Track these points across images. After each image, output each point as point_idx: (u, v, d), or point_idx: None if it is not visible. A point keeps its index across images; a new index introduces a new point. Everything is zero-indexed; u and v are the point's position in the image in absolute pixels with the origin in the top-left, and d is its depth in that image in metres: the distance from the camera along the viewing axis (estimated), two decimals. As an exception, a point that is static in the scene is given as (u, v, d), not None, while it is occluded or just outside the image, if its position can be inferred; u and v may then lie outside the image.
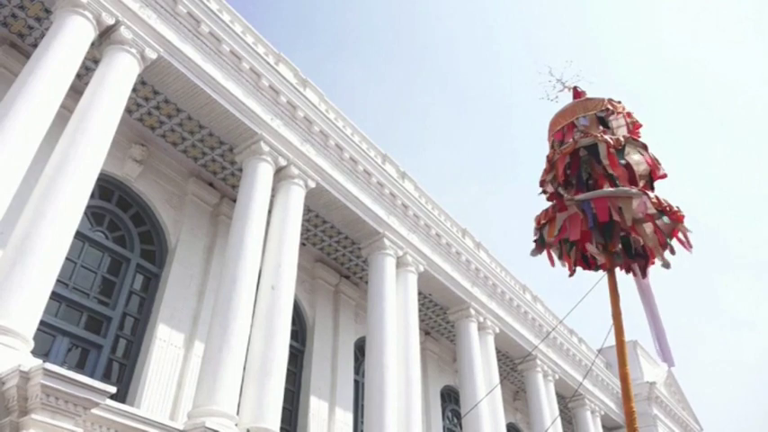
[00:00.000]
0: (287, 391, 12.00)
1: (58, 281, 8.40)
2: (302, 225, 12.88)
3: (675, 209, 5.71)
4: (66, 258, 8.52)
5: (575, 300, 7.38)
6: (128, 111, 11.15)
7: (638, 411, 6.35)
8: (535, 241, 6.09)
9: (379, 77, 71.40)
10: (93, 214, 11.30)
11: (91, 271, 11.07)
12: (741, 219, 66.38)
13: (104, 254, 11.40)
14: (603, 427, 23.45)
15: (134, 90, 10.78)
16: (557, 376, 20.96)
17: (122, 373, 10.93)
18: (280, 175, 12.50)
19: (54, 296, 9.30)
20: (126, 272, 11.61)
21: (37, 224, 7.91)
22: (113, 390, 7.30)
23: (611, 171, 5.82)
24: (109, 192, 11.77)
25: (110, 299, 11.19)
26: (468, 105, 70.39)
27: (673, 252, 5.78)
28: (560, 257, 6.11)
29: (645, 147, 6.11)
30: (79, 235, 10.14)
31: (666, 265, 5.81)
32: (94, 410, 7.19)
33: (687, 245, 5.75)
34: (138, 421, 7.82)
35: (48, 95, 8.58)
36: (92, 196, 9.19)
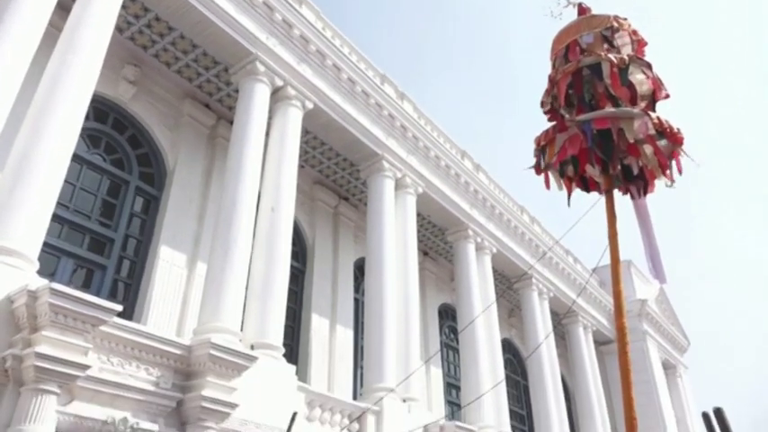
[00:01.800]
0: (289, 309, 12.36)
1: (58, 203, 8.46)
2: (300, 147, 12.81)
3: (676, 130, 5.66)
4: (66, 181, 8.54)
5: (571, 221, 7.47)
6: (118, 29, 10.80)
7: (628, 327, 6.56)
8: (535, 162, 6.07)
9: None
10: (89, 136, 11.20)
11: (91, 194, 11.11)
12: (744, 148, 65.98)
13: (103, 176, 11.39)
14: (595, 341, 24.33)
15: (124, 7, 10.41)
16: (551, 294, 21.51)
17: (128, 293, 11.20)
18: (276, 96, 12.30)
19: (56, 218, 9.39)
20: (126, 194, 11.65)
21: (33, 146, 7.88)
22: (120, 308, 7.51)
23: (613, 91, 5.72)
24: (104, 113, 11.61)
25: (111, 221, 11.30)
26: (469, 24, 68.21)
27: (672, 179, 5.77)
28: (560, 178, 6.11)
29: (649, 66, 5.97)
30: (77, 158, 10.10)
31: (668, 185, 5.83)
32: (103, 328, 7.43)
33: (681, 167, 5.74)
34: (146, 337, 8.10)
35: (34, 14, 8.31)
36: (87, 118, 9.08)
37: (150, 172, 12.27)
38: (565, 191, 6.14)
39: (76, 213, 10.71)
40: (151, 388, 7.99)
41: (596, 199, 6.22)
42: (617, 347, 5.76)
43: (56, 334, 6.86)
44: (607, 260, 6.42)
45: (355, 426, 11.19)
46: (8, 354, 6.77)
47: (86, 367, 7.11)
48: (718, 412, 3.14)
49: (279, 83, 12.16)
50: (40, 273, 7.74)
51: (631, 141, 5.42)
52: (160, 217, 11.85)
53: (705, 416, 3.21)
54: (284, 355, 10.55)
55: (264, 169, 11.58)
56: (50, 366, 6.72)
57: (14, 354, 6.74)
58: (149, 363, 8.11)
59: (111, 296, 10.68)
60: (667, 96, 5.96)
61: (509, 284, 20.89)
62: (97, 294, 9.19)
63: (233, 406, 8.54)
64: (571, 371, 22.98)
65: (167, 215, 11.80)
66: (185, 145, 12.65)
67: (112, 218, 11.35)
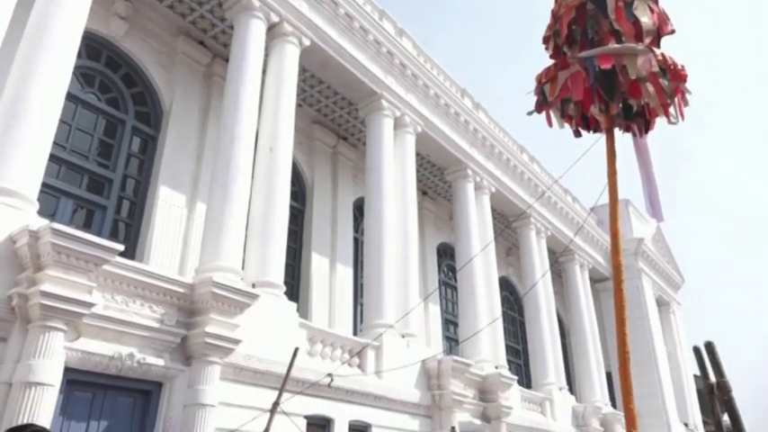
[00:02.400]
0: (289, 248, 12.49)
1: (55, 143, 8.42)
2: (298, 86, 12.61)
3: (680, 67, 5.56)
4: (61, 121, 8.46)
5: (570, 161, 7.44)
6: (107, -39, 10.44)
7: (624, 265, 6.66)
8: (536, 100, 6.00)
9: None
10: (82, 75, 11.00)
11: (87, 134, 11.02)
12: (745, 87, 64.88)
13: (98, 116, 11.26)
14: (591, 279, 24.72)
15: (112, -63, 10.02)
16: (549, 233, 21.69)
17: (129, 233, 11.28)
18: (272, 32, 12.00)
19: (53, 158, 9.36)
20: (122, 134, 11.55)
21: (26, 84, 7.77)
22: (121, 247, 7.59)
23: (617, 26, 5.58)
24: (96, 51, 11.36)
25: (109, 161, 11.25)
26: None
27: (670, 118, 5.71)
28: (562, 117, 6.05)
29: (655, 0, 5.82)
30: (71, 97, 9.96)
31: (672, 121, 5.78)
32: (106, 267, 7.53)
33: (682, 107, 5.67)
34: (149, 276, 8.22)
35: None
36: (79, 56, 8.90)
37: (146, 111, 12.12)
38: (567, 128, 6.09)
39: (74, 154, 10.66)
40: (156, 325, 8.17)
41: (596, 138, 6.18)
42: (612, 285, 5.85)
43: (59, 273, 6.95)
44: (605, 199, 6.45)
45: (356, 360, 11.51)
46: (14, 292, 6.88)
47: (91, 305, 7.25)
48: (709, 346, 3.22)
49: (275, 18, 11.84)
50: (41, 213, 7.78)
51: (634, 78, 5.33)
52: (158, 157, 11.79)
53: (696, 350, 3.30)
54: (285, 293, 10.74)
55: (262, 108, 11.44)
56: (56, 304, 6.85)
57: (20, 292, 6.86)
58: (153, 301, 8.26)
59: (113, 236, 10.76)
60: (673, 32, 5.83)
61: (507, 224, 21.03)
62: (98, 234, 9.26)
63: (236, 342, 8.76)
64: (567, 307, 23.46)
65: (165, 155, 11.75)
66: (180, 83, 12.45)
67: (110, 158, 11.29)
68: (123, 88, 11.77)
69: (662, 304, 29.30)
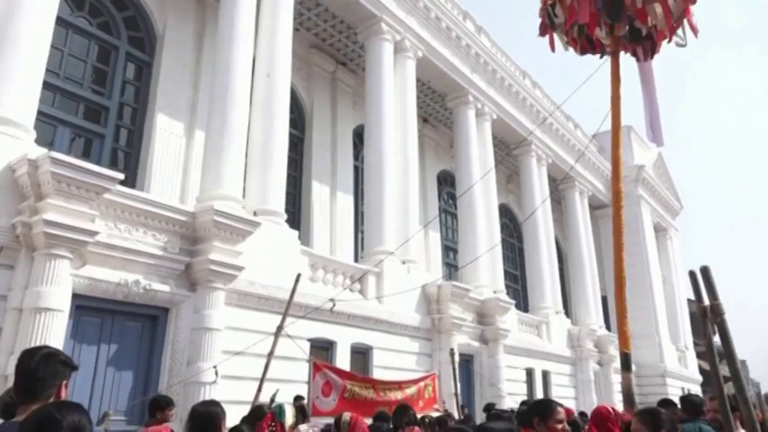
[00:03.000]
0: (289, 176, 12.47)
1: (48, 70, 8.24)
2: (295, 8, 12.20)
3: (690, -14, 5.36)
4: (53, 47, 8.25)
5: (573, 87, 7.31)
6: None
7: (624, 191, 6.67)
8: (540, 22, 5.83)
9: None
10: (71, -2, 10.63)
11: (80, 60, 10.76)
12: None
13: (91, 41, 10.97)
14: (590, 206, 24.85)
15: None
16: (550, 160, 21.62)
17: (128, 162, 11.23)
18: (267, -50, 11.50)
19: (47, 86, 9.19)
20: (116, 60, 11.29)
21: (13, 8, 7.52)
22: (121, 176, 7.58)
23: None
24: (84, -28, 10.93)
25: (104, 88, 11.05)
26: None
27: (681, 39, 5.56)
28: (567, 40, 5.90)
29: None
30: (61, 21, 9.67)
31: (680, 43, 5.64)
32: (107, 196, 7.54)
33: (694, 29, 5.51)
34: (151, 205, 8.25)
35: None
36: (67, -23, 8.57)
37: (139, 36, 11.79)
38: (571, 51, 5.94)
39: (68, 81, 10.45)
40: (159, 252, 8.29)
41: (601, 62, 6.05)
42: (611, 211, 5.88)
43: (61, 202, 6.98)
44: (607, 126, 6.38)
45: (357, 286, 11.75)
46: (17, 221, 6.93)
47: (94, 233, 7.32)
48: (705, 270, 3.27)
49: (269, -64, 11.32)
50: (38, 142, 7.72)
51: (639, 6, 5.16)
52: (154, 84, 11.57)
53: (692, 274, 3.35)
54: (286, 221, 10.83)
55: (258, 32, 11.12)
56: (59, 233, 6.91)
57: (23, 221, 6.91)
58: (156, 229, 8.34)
59: (112, 165, 10.72)
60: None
61: (508, 151, 20.91)
62: (98, 163, 9.22)
63: (239, 268, 8.91)
64: (565, 234, 23.71)
65: (161, 82, 11.52)
66: (173, 7, 12.04)
67: (105, 85, 11.09)
68: (114, 12, 11.40)
69: (659, 230, 29.58)
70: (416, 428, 4.87)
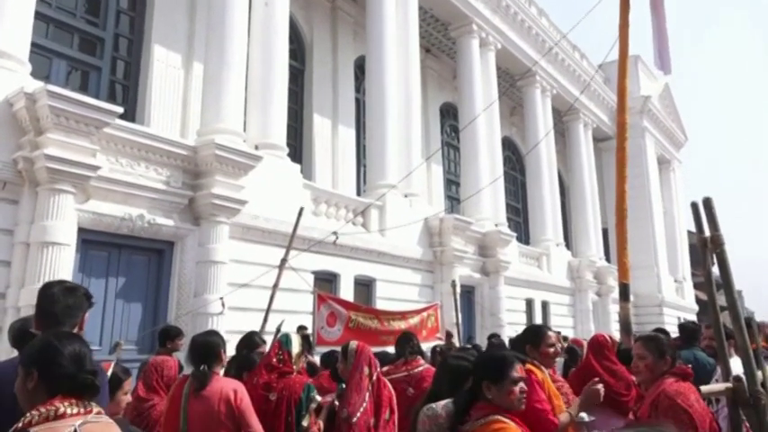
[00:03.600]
0: (290, 109, 12.31)
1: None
2: (292, -69, 11.69)
3: None
4: (42, -26, 7.96)
5: (580, 16, 7.10)
6: None
7: (629, 123, 6.60)
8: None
9: None
10: None
11: (71, -12, 10.42)
12: None
13: (81, -32, 10.58)
14: (594, 138, 24.62)
15: None
16: (554, 92, 21.25)
17: (126, 95, 11.06)
18: None
19: (39, 16, 8.93)
20: (109, -11, 10.92)
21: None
22: (120, 110, 7.50)
23: None
24: None
25: (98, 18, 10.75)
26: None
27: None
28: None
29: None
30: (50, -53, 9.30)
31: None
32: (108, 130, 7.49)
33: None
34: (152, 139, 8.20)
35: None
36: None
37: (131, -37, 11.36)
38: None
39: (60, 11, 10.15)
40: (162, 187, 8.30)
41: (611, -13, 5.85)
42: (615, 144, 5.83)
43: (61, 136, 6.93)
44: (614, 56, 6.23)
45: (359, 219, 11.83)
46: (18, 156, 6.91)
47: (96, 168, 7.31)
48: (707, 201, 3.28)
49: None
50: (34, 75, 7.59)
51: None
52: (149, 14, 11.23)
53: (693, 205, 3.36)
54: (288, 155, 10.78)
55: (254, -42, 10.71)
56: (61, 167, 6.91)
57: (24, 156, 6.89)
58: (157, 163, 8.32)
59: (110, 98, 10.57)
60: None
61: (512, 82, 20.53)
62: (96, 96, 9.08)
63: (242, 203, 8.95)
64: (568, 167, 23.62)
65: (156, 11, 11.18)
66: (166, -70, 11.53)
67: (99, 15, 10.78)
68: (104, -64, 10.94)
69: (663, 162, 29.43)
70: (420, 358, 4.98)
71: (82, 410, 1.74)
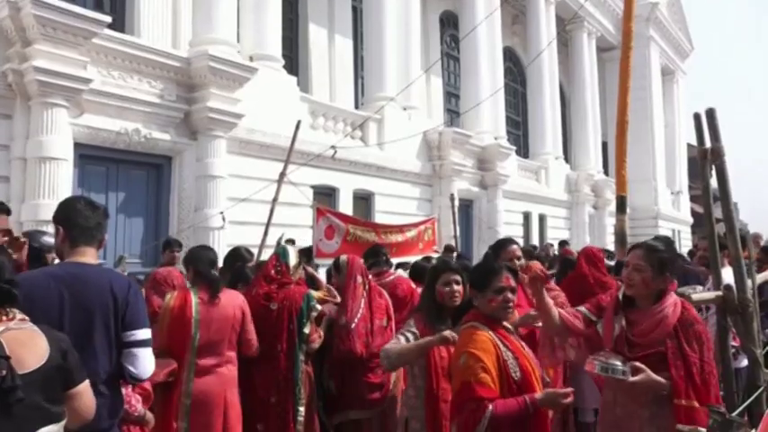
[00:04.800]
0: (285, 19, 11.86)
1: None
2: None
3: None
4: None
5: None
6: None
7: (635, 32, 6.40)
8: None
9: None
10: None
11: None
12: None
13: None
14: (597, 48, 23.93)
15: None
16: (559, -1, 20.45)
17: (114, 4, 10.59)
18: None
19: None
20: None
21: None
22: (109, 19, 7.27)
23: None
24: None
25: None
26: None
27: None
28: None
29: None
30: None
31: None
32: (97, 41, 7.27)
33: None
34: (143, 50, 7.97)
35: None
36: None
37: None
38: None
39: None
40: (156, 100, 8.16)
41: None
42: (620, 54, 5.69)
43: (49, 47, 6.74)
44: (624, -43, 5.95)
45: (358, 133, 11.72)
46: (7, 68, 6.74)
47: (88, 81, 7.16)
48: (710, 112, 3.24)
49: None
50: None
51: None
52: None
53: (696, 116, 3.32)
54: (284, 67, 10.52)
55: None
56: (52, 80, 6.76)
57: (14, 68, 6.72)
58: (150, 76, 8.14)
59: (98, 7, 10.14)
60: None
61: (515, -12, 19.70)
62: (83, 6, 8.74)
63: (238, 116, 8.84)
64: (570, 78, 23.11)
65: None
66: None
67: None
68: None
69: (666, 73, 28.78)
70: (390, 270, 5.16)
71: (3, 318, 1.75)
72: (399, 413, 3.19)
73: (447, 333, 2.80)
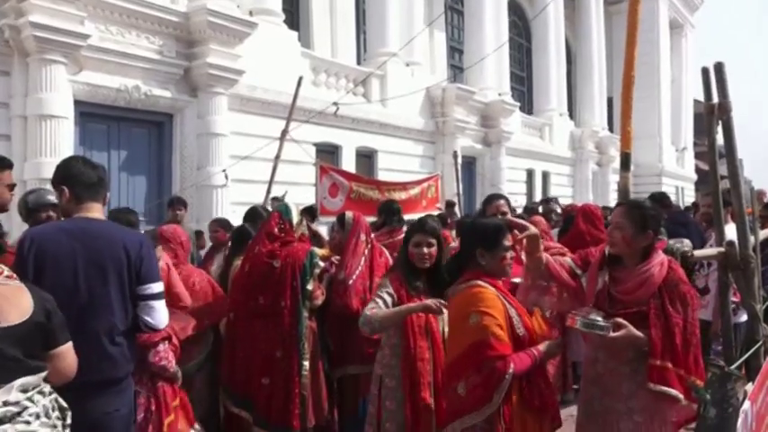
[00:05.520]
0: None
1: None
2: None
3: None
4: None
5: None
6: None
7: (644, -17, 6.24)
8: None
9: None
10: None
11: None
12: None
13: None
14: (604, 1, 23.40)
15: None
16: (566, -51, 19.88)
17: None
18: None
19: None
20: None
21: None
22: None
23: None
24: None
25: None
26: None
27: None
28: None
29: None
30: None
31: None
32: (93, -5, 7.12)
33: None
34: (140, 4, 7.77)
35: None
36: None
37: None
38: None
39: None
40: (155, 56, 8.05)
41: None
42: (627, 5, 5.54)
43: (45, 2, 6.60)
44: None
45: (360, 89, 11.58)
46: (3, 24, 6.63)
47: (86, 36, 7.05)
48: (719, 66, 3.18)
49: None
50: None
51: None
52: None
53: (704, 71, 3.26)
54: (285, 22, 10.33)
55: None
56: (49, 36, 6.66)
57: (10, 24, 6.61)
58: (149, 31, 8.00)
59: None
60: None
61: (521, -62, 19.14)
62: (77, -42, 8.54)
63: (239, 72, 8.73)
64: (576, 33, 22.64)
65: None
66: None
67: None
68: None
69: (675, 27, 28.16)
70: (404, 228, 5.13)
71: None
72: (374, 371, 3.16)
73: (431, 302, 2.83)
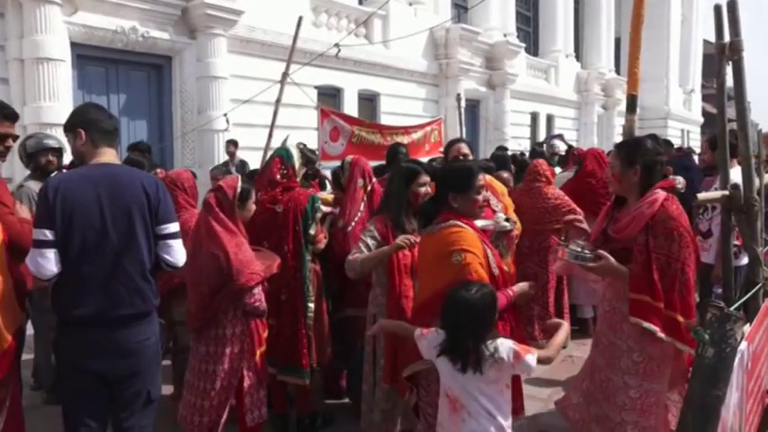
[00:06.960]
0: None
1: None
2: None
3: None
4: None
5: None
6: None
7: None
8: None
9: None
10: None
11: None
12: None
13: None
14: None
15: None
16: None
17: None
18: None
19: None
20: None
21: None
22: None
23: None
24: None
25: None
26: None
27: None
28: None
29: None
30: None
31: None
32: (84, -69, 6.87)
33: None
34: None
35: None
36: None
37: None
38: None
39: None
40: (152, -4, 7.85)
41: None
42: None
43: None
44: None
45: (362, 30, 11.31)
46: (-6, -37, 6.44)
47: (80, -24, 6.86)
48: (731, 5, 3.08)
49: None
50: None
51: None
52: None
53: (717, 8, 3.17)
54: (283, -41, 10.00)
55: None
56: (42, -25, 6.48)
57: (0, -37, 6.43)
58: (144, -30, 7.77)
59: None
60: None
61: None
62: None
63: (238, 12, 8.53)
64: (585, -31, 21.92)
65: None
66: None
67: None
68: None
69: (688, -37, 27.22)
70: None
71: None
72: (368, 310, 3.30)
73: (399, 240, 2.95)
